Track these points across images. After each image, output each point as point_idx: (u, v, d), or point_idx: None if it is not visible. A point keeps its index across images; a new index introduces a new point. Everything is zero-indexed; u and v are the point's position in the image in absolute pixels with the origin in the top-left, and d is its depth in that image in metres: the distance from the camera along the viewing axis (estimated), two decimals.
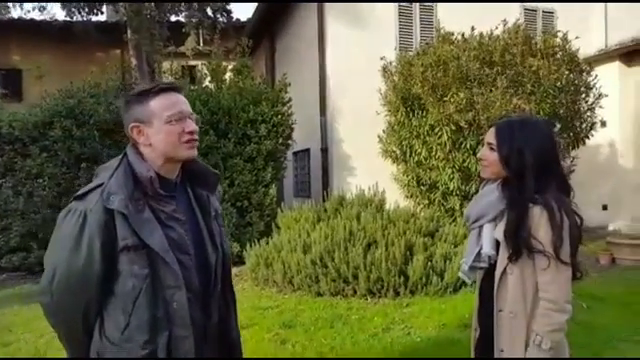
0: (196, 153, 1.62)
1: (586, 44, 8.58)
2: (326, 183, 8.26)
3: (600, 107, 7.51)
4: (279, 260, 5.87)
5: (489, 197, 1.90)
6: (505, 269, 1.80)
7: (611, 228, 9.08)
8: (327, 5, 8.37)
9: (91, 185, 1.51)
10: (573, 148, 7.50)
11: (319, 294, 5.55)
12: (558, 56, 7.17)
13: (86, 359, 1.56)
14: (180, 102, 1.59)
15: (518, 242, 1.74)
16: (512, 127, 1.90)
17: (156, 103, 1.55)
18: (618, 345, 4.01)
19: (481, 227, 1.91)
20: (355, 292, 5.45)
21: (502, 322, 1.81)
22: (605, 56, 9.51)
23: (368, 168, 7.77)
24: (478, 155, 1.97)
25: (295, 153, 9.40)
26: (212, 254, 1.65)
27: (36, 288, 1.59)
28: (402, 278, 5.39)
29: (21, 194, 6.98)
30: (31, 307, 5.51)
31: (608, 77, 8.74)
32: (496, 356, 1.83)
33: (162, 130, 1.54)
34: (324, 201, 6.95)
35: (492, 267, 1.87)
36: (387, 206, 6.58)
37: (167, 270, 1.49)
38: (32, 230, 6.89)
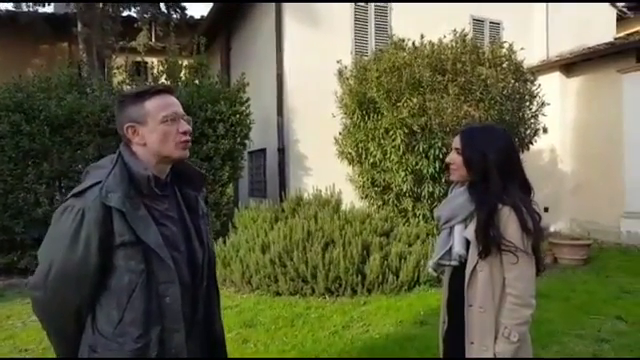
0: (188, 153, 1.68)
1: (529, 55, 9.06)
2: (283, 183, 8.32)
3: (543, 115, 7.94)
4: (237, 259, 5.89)
5: (458, 199, 2.02)
6: (475, 267, 1.91)
7: (552, 229, 9.60)
8: (285, 6, 8.43)
9: (88, 183, 1.53)
10: None
11: (278, 293, 5.62)
12: (504, 65, 7.55)
13: (81, 359, 1.58)
14: (174, 104, 1.65)
15: (488, 240, 1.86)
16: (474, 132, 2.06)
17: (152, 104, 1.61)
18: (561, 339, 4.29)
19: (452, 227, 2.02)
20: (314, 291, 5.55)
21: (472, 316, 1.92)
22: (546, 66, 10.08)
23: (324, 169, 7.88)
24: (447, 160, 2.08)
25: (250, 153, 9.40)
26: (199, 251, 1.71)
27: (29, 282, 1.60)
28: (359, 277, 5.54)
29: None
30: None
31: (549, 86, 9.25)
32: (467, 348, 1.94)
33: (157, 130, 1.60)
34: (281, 201, 7.01)
35: (462, 265, 1.98)
36: (343, 206, 6.73)
37: (161, 266, 1.54)
38: None
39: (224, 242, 6.33)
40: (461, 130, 2.08)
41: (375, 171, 7.39)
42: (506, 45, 7.77)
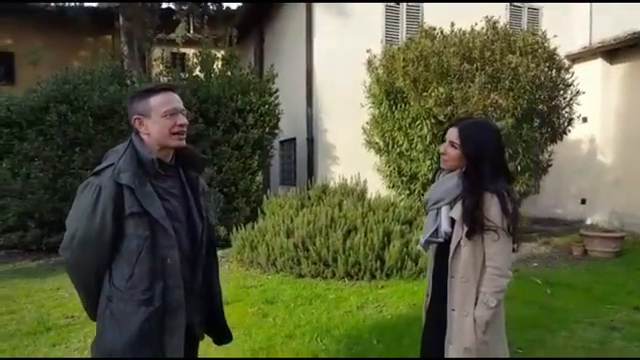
0: (184, 143, 1.99)
1: (570, 41, 8.84)
2: (311, 171, 8.53)
3: (577, 104, 7.73)
4: (263, 243, 6.16)
5: (447, 184, 2.25)
6: (459, 242, 2.15)
7: (589, 222, 9.37)
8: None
9: (104, 164, 1.88)
10: (552, 142, 7.76)
11: (300, 276, 5.86)
12: (538, 53, 7.40)
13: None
14: (174, 100, 1.96)
15: (473, 222, 2.09)
16: (472, 128, 2.26)
17: (155, 100, 1.93)
18: (572, 325, 4.32)
19: (439, 209, 2.25)
20: (334, 274, 5.76)
21: (454, 286, 2.16)
22: (588, 53, 9.76)
23: (352, 158, 8.04)
24: (440, 150, 2.31)
25: (282, 142, 9.65)
26: (199, 223, 2.03)
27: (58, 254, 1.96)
28: (379, 262, 5.70)
29: (19, 175, 7.25)
30: (30, 281, 5.90)
31: (591, 74, 9.00)
32: (448, 315, 2.18)
33: (158, 122, 1.92)
34: (308, 189, 7.21)
35: (447, 242, 2.21)
36: (369, 195, 6.86)
37: (164, 233, 1.87)
38: (29, 210, 7.15)
39: (252, 227, 6.61)
40: (459, 125, 2.26)
41: (402, 160, 7.46)
42: (539, 32, 7.62)
